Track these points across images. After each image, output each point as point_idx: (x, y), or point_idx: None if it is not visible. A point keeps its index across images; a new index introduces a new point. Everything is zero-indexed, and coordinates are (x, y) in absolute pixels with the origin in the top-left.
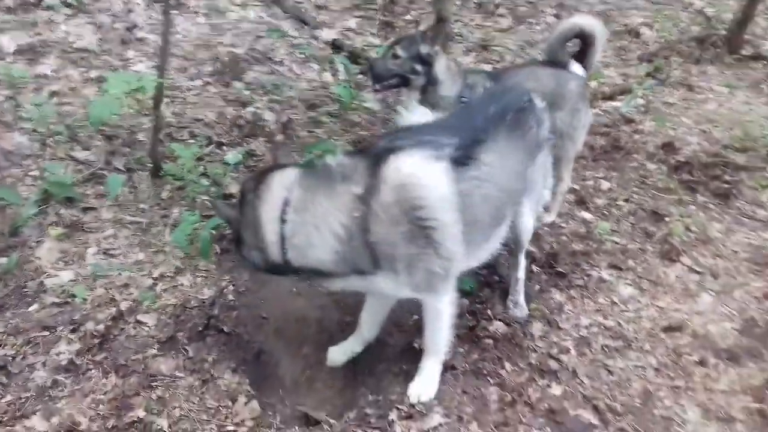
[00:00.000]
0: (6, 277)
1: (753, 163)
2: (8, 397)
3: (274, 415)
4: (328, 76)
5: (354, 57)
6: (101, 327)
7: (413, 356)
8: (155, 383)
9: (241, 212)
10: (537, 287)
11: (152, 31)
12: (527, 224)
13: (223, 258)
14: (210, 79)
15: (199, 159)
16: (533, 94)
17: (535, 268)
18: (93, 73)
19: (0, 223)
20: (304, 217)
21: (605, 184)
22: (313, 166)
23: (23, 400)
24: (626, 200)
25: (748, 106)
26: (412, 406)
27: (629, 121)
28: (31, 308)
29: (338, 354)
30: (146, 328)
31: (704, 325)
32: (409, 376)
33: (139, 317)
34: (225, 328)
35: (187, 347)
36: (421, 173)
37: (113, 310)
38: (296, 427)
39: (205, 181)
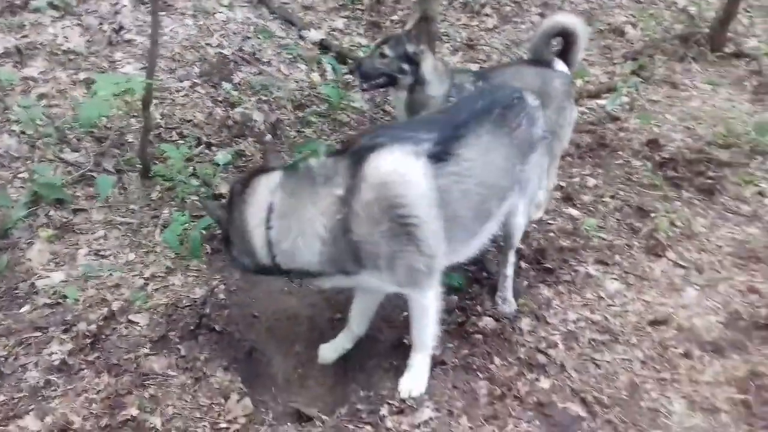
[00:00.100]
0: None
1: (736, 159)
2: (1, 398)
3: (266, 412)
4: (316, 77)
5: (341, 57)
6: (93, 327)
7: (403, 352)
8: (148, 382)
9: (229, 216)
10: (525, 283)
11: (140, 33)
12: (519, 223)
13: (213, 258)
14: (198, 80)
15: (189, 159)
16: (526, 92)
17: (523, 264)
18: (81, 75)
19: None
20: (289, 223)
21: (591, 181)
22: (296, 167)
23: (16, 400)
24: (612, 197)
25: (731, 103)
26: (403, 401)
27: (615, 118)
28: (22, 309)
29: (329, 351)
30: (138, 328)
31: (689, 318)
32: (399, 371)
33: (131, 317)
34: (217, 327)
35: (179, 346)
36: (401, 171)
37: (105, 310)
38: (288, 424)
39: (194, 182)
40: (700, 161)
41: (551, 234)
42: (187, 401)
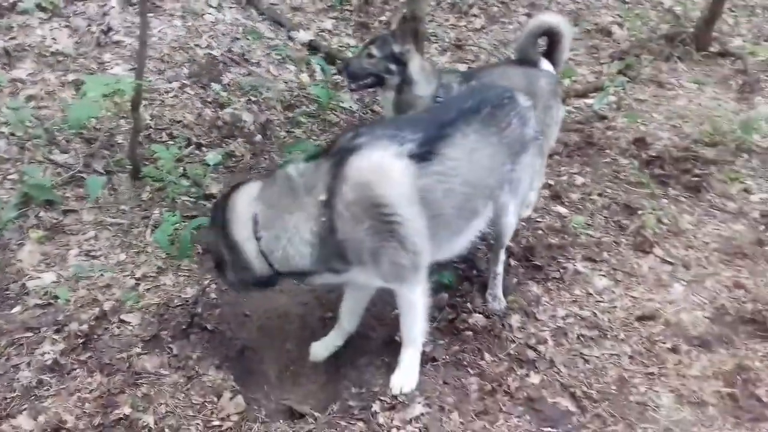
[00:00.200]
0: None
1: (722, 156)
2: None
3: (259, 409)
4: (305, 77)
5: (330, 58)
6: (85, 327)
7: (394, 349)
8: (140, 381)
9: (218, 238)
10: (515, 280)
11: (128, 34)
12: (510, 222)
13: (204, 257)
14: (187, 81)
15: (179, 160)
16: (517, 92)
17: (512, 261)
18: (70, 77)
19: None
20: (276, 232)
21: (579, 179)
22: (275, 176)
23: (9, 400)
24: (600, 194)
25: (717, 102)
26: (395, 397)
27: (602, 117)
28: (14, 310)
29: (321, 349)
30: (130, 328)
31: (676, 313)
32: (390, 368)
33: (123, 317)
34: (208, 326)
35: (171, 345)
36: (381, 171)
37: (96, 310)
38: (281, 421)
39: (185, 182)
40: (687, 159)
41: (540, 231)
42: (179, 399)
